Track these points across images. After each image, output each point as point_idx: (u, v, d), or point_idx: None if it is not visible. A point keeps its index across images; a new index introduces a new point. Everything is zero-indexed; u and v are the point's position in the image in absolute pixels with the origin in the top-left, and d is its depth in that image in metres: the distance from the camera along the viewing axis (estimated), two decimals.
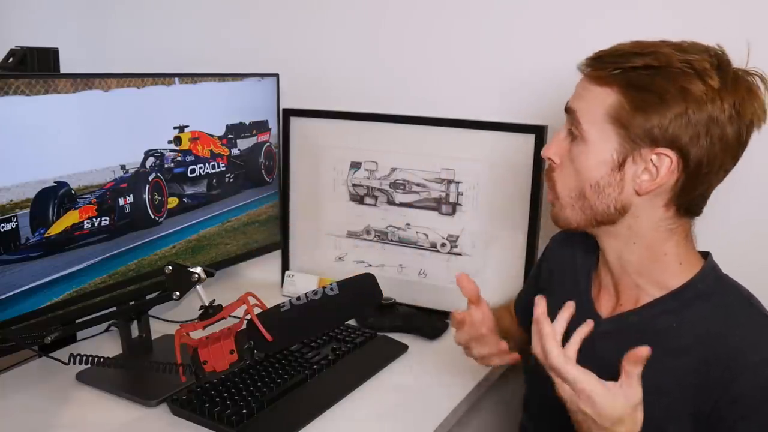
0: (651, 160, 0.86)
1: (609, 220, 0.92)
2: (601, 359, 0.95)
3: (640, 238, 0.92)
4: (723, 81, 0.83)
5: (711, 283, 0.91)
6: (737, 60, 0.88)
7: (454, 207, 1.50)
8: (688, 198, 0.89)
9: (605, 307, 0.99)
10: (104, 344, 1.34)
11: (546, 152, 0.96)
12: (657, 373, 0.89)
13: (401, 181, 1.54)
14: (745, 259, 1.07)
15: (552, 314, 1.08)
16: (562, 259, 1.09)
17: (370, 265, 1.60)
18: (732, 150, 0.86)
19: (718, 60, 0.85)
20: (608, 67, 0.87)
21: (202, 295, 1.01)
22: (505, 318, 1.24)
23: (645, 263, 0.93)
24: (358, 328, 1.40)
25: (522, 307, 1.22)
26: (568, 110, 0.93)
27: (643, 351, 0.78)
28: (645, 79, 0.85)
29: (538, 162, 1.38)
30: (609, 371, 0.94)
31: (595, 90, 0.89)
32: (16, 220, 1.05)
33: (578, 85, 0.93)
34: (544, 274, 1.14)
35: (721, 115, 0.83)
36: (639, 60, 0.85)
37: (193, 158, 1.35)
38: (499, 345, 1.05)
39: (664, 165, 0.86)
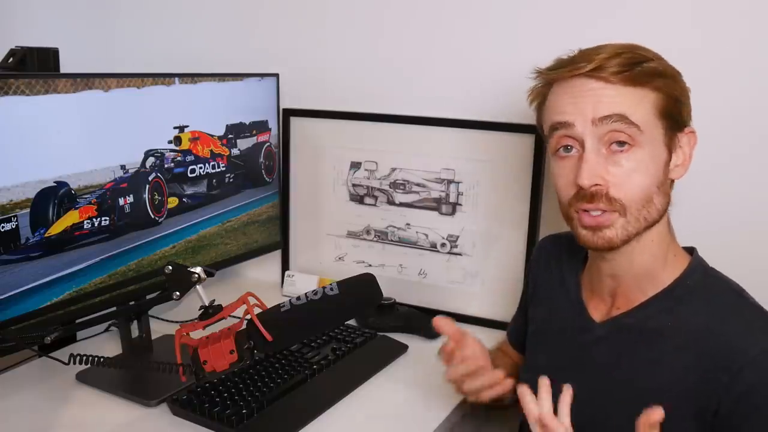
0: (682, 143, 0.90)
1: (660, 218, 0.90)
2: (599, 365, 0.95)
3: (658, 233, 0.91)
4: None
5: (700, 279, 0.91)
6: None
7: (454, 207, 1.50)
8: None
9: (597, 311, 0.98)
10: (104, 344, 1.34)
11: (592, 179, 0.86)
12: (656, 374, 0.89)
13: (401, 181, 1.54)
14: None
15: (543, 325, 1.07)
16: (548, 268, 1.09)
17: (370, 265, 1.60)
18: None
19: None
20: (626, 69, 0.85)
21: (202, 295, 1.01)
22: (499, 360, 1.19)
23: (652, 260, 0.92)
24: (358, 328, 1.40)
25: (518, 339, 1.19)
26: (607, 118, 0.85)
27: (656, 415, 0.78)
28: (665, 71, 0.88)
29: (538, 162, 1.38)
30: (607, 377, 0.94)
31: (627, 91, 0.86)
32: (16, 220, 1.05)
33: (592, 89, 0.87)
34: (530, 289, 1.13)
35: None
36: (633, 56, 0.87)
37: (193, 158, 1.35)
38: (494, 376, 1.01)
39: (691, 143, 0.91)
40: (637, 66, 0.86)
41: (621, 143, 0.86)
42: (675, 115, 0.88)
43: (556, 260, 1.07)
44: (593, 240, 0.89)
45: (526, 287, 1.18)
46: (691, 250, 0.95)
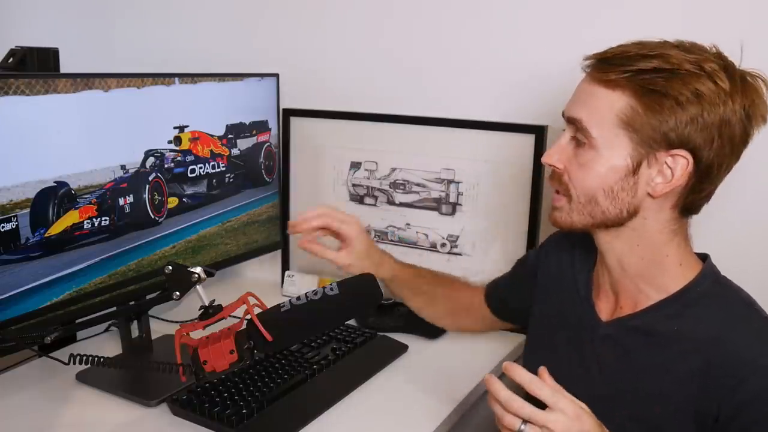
0: (666, 162, 0.86)
1: (618, 223, 0.91)
2: (604, 365, 0.95)
3: (644, 239, 0.91)
4: (732, 82, 0.84)
5: (710, 286, 0.91)
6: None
7: (454, 207, 1.50)
8: (695, 199, 0.89)
9: (605, 310, 0.98)
10: (104, 344, 1.34)
11: (548, 159, 0.93)
12: (658, 378, 0.89)
13: (401, 181, 1.54)
14: (742, 260, 1.06)
15: (550, 318, 1.07)
16: (560, 261, 1.09)
17: None
18: (738, 150, 0.87)
19: (724, 61, 0.85)
20: (616, 69, 0.86)
21: (202, 295, 1.01)
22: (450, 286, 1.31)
23: (646, 265, 0.92)
24: (358, 328, 1.40)
25: (498, 297, 1.24)
26: (571, 119, 0.90)
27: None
28: (658, 81, 0.83)
29: (538, 162, 1.38)
30: (611, 375, 0.94)
31: (602, 93, 0.87)
32: (16, 220, 1.04)
33: (580, 90, 0.91)
34: (541, 278, 1.12)
35: (733, 117, 0.83)
36: (648, 62, 0.84)
37: (193, 158, 1.35)
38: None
39: (679, 166, 0.85)
40: (626, 67, 0.85)
41: (579, 140, 0.90)
42: (648, 131, 0.85)
43: (569, 257, 1.07)
44: (550, 217, 0.97)
45: (524, 270, 1.19)
46: (704, 257, 0.95)
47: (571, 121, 0.91)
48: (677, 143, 0.84)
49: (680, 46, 0.86)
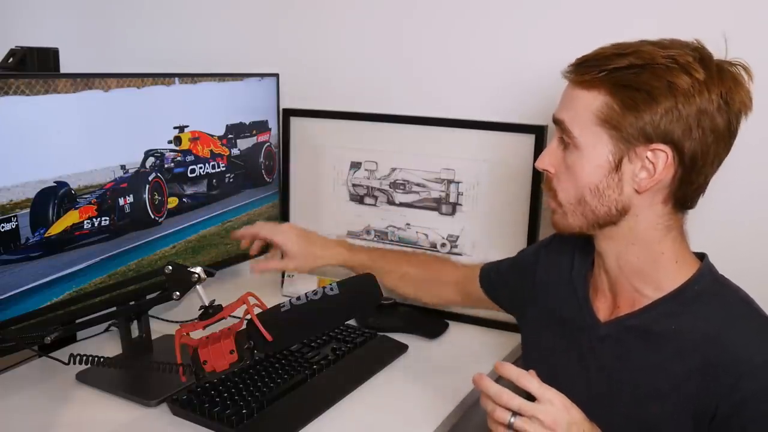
0: (647, 157, 0.87)
1: (611, 221, 0.92)
2: (603, 365, 0.95)
3: (639, 237, 0.92)
4: (708, 72, 0.84)
5: (708, 285, 0.91)
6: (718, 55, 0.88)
7: (454, 207, 1.50)
8: (686, 191, 0.90)
9: (603, 310, 0.99)
10: (104, 344, 1.34)
11: (540, 164, 0.96)
12: (656, 377, 0.89)
13: (401, 181, 1.54)
14: (738, 260, 1.06)
15: (548, 319, 1.07)
16: (558, 263, 1.09)
17: None
18: (724, 140, 0.87)
19: (700, 53, 0.86)
20: (592, 70, 0.88)
21: (202, 295, 1.01)
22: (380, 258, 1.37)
23: (643, 263, 0.93)
24: (358, 328, 1.40)
25: (490, 279, 1.26)
26: (556, 121, 0.93)
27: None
28: (631, 77, 0.85)
29: None
30: (610, 375, 0.94)
31: (581, 95, 0.89)
32: (16, 220, 1.04)
33: (564, 94, 0.94)
34: (540, 279, 1.12)
35: (710, 106, 0.84)
36: (622, 60, 0.86)
37: (193, 158, 1.35)
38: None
39: (660, 160, 0.86)
40: (602, 67, 0.87)
41: (565, 142, 0.92)
42: (626, 127, 0.86)
43: (567, 259, 1.07)
44: (550, 221, 0.99)
45: (524, 263, 1.19)
46: (701, 256, 0.95)
47: (557, 123, 0.94)
48: (655, 137, 0.85)
49: (657, 43, 0.88)
